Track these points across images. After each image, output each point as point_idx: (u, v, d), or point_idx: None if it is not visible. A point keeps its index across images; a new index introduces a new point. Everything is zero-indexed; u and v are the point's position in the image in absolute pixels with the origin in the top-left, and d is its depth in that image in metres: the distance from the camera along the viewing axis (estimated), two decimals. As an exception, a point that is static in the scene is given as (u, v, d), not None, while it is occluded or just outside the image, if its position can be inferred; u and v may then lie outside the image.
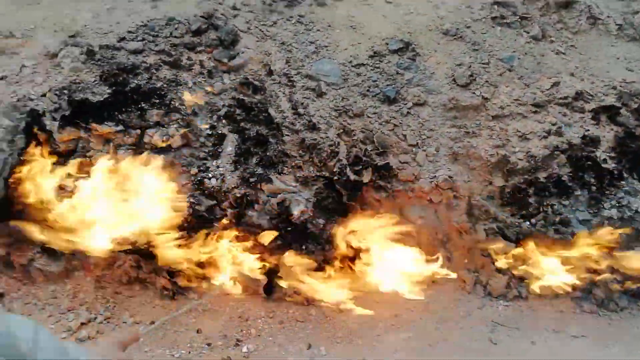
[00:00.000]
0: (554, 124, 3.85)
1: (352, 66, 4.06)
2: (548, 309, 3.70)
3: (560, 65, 4.23)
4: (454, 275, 3.65)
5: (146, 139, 3.63)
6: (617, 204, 3.61)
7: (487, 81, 4.00)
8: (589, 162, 3.72)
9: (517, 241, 3.66)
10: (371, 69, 4.06)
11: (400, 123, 3.84)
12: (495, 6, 4.46)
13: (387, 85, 3.96)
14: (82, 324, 3.45)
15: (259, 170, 3.64)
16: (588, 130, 3.86)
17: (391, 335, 3.48)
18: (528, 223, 3.64)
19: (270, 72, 3.98)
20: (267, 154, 3.68)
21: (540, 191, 3.67)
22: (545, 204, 3.63)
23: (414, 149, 3.76)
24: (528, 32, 4.39)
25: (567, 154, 3.73)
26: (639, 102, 3.98)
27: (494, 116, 3.88)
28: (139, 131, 3.64)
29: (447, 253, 3.83)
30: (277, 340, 3.43)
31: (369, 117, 3.84)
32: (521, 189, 3.67)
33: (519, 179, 3.69)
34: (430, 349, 3.36)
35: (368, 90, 3.95)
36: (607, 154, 3.78)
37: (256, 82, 3.90)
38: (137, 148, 3.62)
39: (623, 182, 3.69)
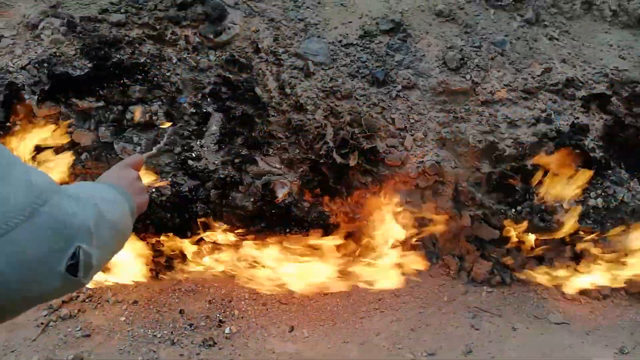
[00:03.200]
0: (543, 111, 3.79)
1: (342, 46, 3.96)
2: (531, 295, 3.72)
3: (552, 51, 4.16)
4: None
5: (128, 116, 3.54)
6: (603, 194, 3.60)
7: (477, 65, 3.92)
8: (577, 151, 3.67)
9: (502, 228, 3.65)
10: (361, 49, 3.95)
11: (388, 106, 3.76)
12: (490, -13, 4.35)
13: (377, 66, 3.87)
14: (64, 302, 3.45)
15: (244, 151, 3.57)
16: (577, 118, 3.82)
17: (374, 319, 3.49)
18: (514, 210, 3.62)
19: (257, 50, 3.87)
20: (253, 134, 3.60)
21: (527, 179, 3.64)
22: (531, 191, 3.60)
23: (401, 133, 3.70)
24: (522, 16, 4.30)
25: (555, 142, 3.68)
26: (630, 90, 3.94)
27: (483, 101, 3.81)
28: (120, 107, 3.55)
29: (433, 239, 3.83)
30: (260, 322, 3.43)
31: (357, 99, 3.75)
32: (508, 176, 3.64)
33: (506, 166, 3.65)
34: (411, 333, 3.38)
35: (357, 71, 3.85)
36: (595, 143, 3.75)
37: (243, 60, 3.80)
38: (119, 125, 3.53)
39: (610, 172, 3.67)
